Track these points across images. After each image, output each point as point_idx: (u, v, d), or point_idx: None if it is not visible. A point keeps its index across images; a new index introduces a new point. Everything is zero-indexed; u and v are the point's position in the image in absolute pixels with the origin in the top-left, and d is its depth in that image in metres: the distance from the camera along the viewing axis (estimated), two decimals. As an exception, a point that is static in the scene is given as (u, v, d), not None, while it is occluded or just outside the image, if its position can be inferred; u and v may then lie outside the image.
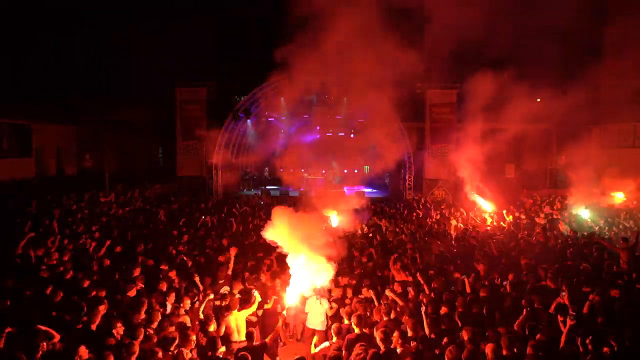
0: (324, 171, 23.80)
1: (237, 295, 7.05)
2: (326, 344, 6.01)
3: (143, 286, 7.05)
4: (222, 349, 5.68)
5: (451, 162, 20.04)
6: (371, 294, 6.96)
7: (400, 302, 6.49)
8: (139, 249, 9.07)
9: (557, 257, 8.93)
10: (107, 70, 22.51)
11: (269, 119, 23.16)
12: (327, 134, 23.85)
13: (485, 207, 15.29)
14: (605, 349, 4.79)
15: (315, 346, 6.34)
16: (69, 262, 7.92)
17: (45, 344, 4.81)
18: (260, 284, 7.82)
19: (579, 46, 16.73)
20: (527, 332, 5.31)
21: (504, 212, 13.93)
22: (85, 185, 17.38)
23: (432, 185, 21.03)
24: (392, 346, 5.23)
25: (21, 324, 5.30)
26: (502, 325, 5.67)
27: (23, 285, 6.66)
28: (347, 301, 7.32)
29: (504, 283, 7.23)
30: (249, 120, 21.81)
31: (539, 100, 17.78)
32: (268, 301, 7.18)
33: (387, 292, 6.88)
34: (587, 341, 4.84)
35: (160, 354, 5.01)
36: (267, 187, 22.33)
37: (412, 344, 5.32)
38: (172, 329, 5.83)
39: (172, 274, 7.68)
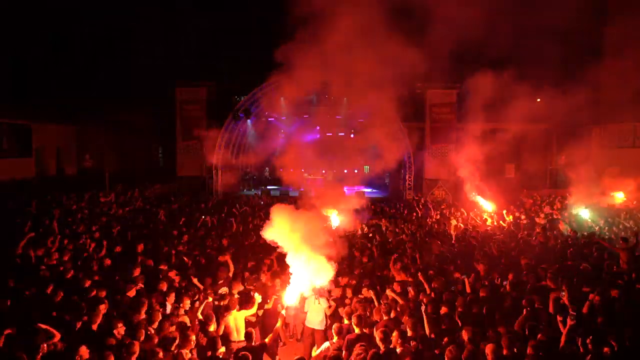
0: (324, 171, 23.79)
1: (236, 295, 7.06)
2: (327, 344, 6.01)
3: (142, 286, 7.06)
4: (222, 349, 5.68)
5: (451, 162, 20.05)
6: (371, 294, 6.96)
7: (400, 301, 6.49)
8: (139, 249, 9.06)
9: (557, 257, 8.93)
10: (107, 70, 22.51)
11: (269, 119, 23.16)
12: (327, 134, 23.85)
13: (486, 207, 15.29)
14: (606, 349, 4.79)
15: (317, 348, 6.34)
16: (69, 262, 7.92)
17: (45, 345, 4.81)
18: (260, 284, 7.83)
19: (579, 46, 16.72)
20: (527, 332, 5.31)
21: (504, 212, 13.94)
22: (85, 185, 17.39)
23: (432, 185, 21.03)
24: (391, 346, 5.24)
25: (21, 323, 5.30)
26: (502, 325, 5.67)
27: (23, 285, 6.66)
28: (347, 301, 7.32)
29: (504, 283, 7.23)
30: (249, 120, 21.80)
31: (539, 100, 17.78)
32: (268, 301, 7.18)
33: (388, 292, 6.88)
34: (588, 341, 4.84)
35: (160, 354, 5.01)
36: (267, 187, 22.33)
37: (412, 343, 5.33)
38: (173, 329, 5.84)
39: (172, 274, 7.69)
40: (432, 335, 5.56)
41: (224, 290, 7.45)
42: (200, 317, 6.42)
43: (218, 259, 8.82)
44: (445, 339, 5.35)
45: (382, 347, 5.19)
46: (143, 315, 5.92)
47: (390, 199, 19.73)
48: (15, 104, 18.84)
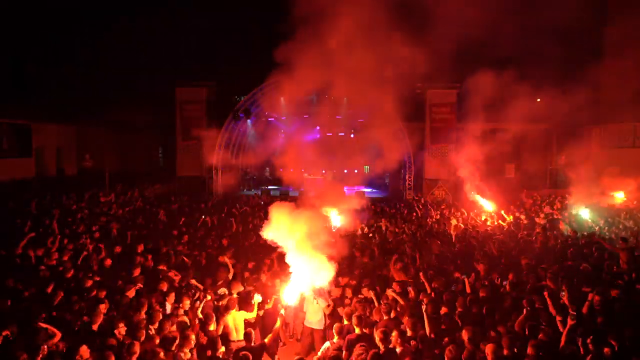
0: (324, 171, 23.79)
1: (235, 295, 7.06)
2: (327, 344, 6.00)
3: (142, 286, 7.06)
4: (222, 349, 5.69)
5: (451, 162, 20.05)
6: (371, 294, 6.96)
7: (401, 302, 6.49)
8: (138, 250, 9.06)
9: (557, 257, 8.93)
10: (107, 70, 22.49)
11: (269, 119, 23.16)
12: (327, 134, 23.85)
13: (486, 206, 15.29)
14: (606, 350, 4.79)
15: (317, 351, 6.33)
16: (69, 262, 7.93)
17: (46, 347, 4.80)
18: (260, 284, 7.83)
19: (579, 46, 16.73)
20: (527, 332, 5.31)
21: (502, 212, 13.97)
22: (85, 185, 17.39)
23: (432, 185, 21.04)
24: (391, 346, 5.23)
25: (21, 324, 5.30)
26: (502, 325, 5.67)
27: (23, 285, 6.66)
28: (347, 301, 7.32)
29: (504, 283, 7.23)
30: (249, 120, 21.80)
31: (539, 100, 17.79)
32: (268, 301, 7.18)
33: (388, 292, 6.88)
34: (588, 341, 4.84)
35: (162, 354, 5.02)
36: (267, 187, 22.33)
37: (412, 343, 5.33)
38: (173, 328, 5.84)
39: (172, 274, 7.69)
40: (432, 335, 5.56)
41: (222, 290, 7.45)
42: (201, 315, 6.42)
43: (218, 260, 8.82)
44: (446, 339, 5.35)
45: (381, 347, 5.19)
46: (143, 316, 5.92)
47: (390, 199, 19.73)
48: (15, 104, 18.83)
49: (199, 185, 20.83)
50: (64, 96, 21.10)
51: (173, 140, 22.05)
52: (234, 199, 17.48)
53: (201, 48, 22.90)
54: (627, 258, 8.44)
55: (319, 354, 5.88)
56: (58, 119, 21.29)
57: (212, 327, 6.20)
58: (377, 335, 5.32)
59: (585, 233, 11.16)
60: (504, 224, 13.03)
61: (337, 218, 12.04)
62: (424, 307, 5.87)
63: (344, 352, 5.49)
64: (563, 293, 6.15)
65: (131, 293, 6.71)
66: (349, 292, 7.56)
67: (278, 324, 6.26)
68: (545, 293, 6.07)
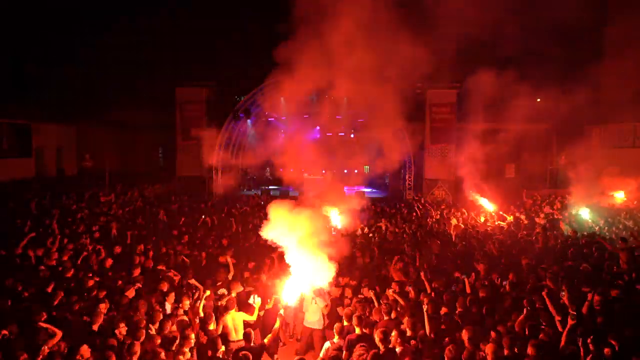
0: (324, 171, 23.78)
1: (233, 294, 7.05)
2: (327, 344, 6.00)
3: (140, 286, 7.06)
4: (222, 348, 5.69)
5: (451, 162, 20.05)
6: (371, 294, 6.96)
7: (401, 302, 6.49)
8: (138, 250, 9.06)
9: (557, 257, 8.93)
10: (107, 70, 22.49)
11: (269, 119, 23.14)
12: (327, 134, 23.84)
13: (486, 206, 15.29)
14: (606, 350, 4.79)
15: (317, 349, 6.33)
16: (69, 262, 7.92)
17: (47, 347, 4.80)
18: (260, 284, 7.82)
19: (579, 46, 16.72)
20: (527, 332, 5.31)
21: (500, 212, 13.98)
22: (85, 185, 17.39)
23: (432, 185, 21.02)
24: (391, 346, 5.23)
25: (21, 324, 5.30)
26: (502, 325, 5.67)
27: (23, 285, 6.66)
28: (347, 301, 7.32)
29: (504, 283, 7.23)
30: (249, 120, 21.78)
31: (539, 100, 17.77)
32: (268, 300, 7.18)
33: (388, 293, 6.88)
34: (588, 341, 4.84)
35: (162, 354, 5.02)
36: (268, 187, 22.32)
37: (412, 342, 5.33)
38: (173, 328, 5.84)
39: (172, 274, 7.68)
40: (432, 335, 5.56)
41: (222, 291, 7.45)
42: (202, 314, 6.42)
43: (218, 260, 8.82)
44: (446, 339, 5.35)
45: (381, 347, 5.19)
46: (143, 315, 5.92)
47: (390, 199, 19.72)
48: (15, 104, 18.83)
49: (199, 185, 20.81)
50: (64, 96, 21.11)
51: (173, 140, 22.04)
52: (234, 199, 17.47)
53: (201, 48, 22.87)
54: (627, 258, 8.43)
55: (321, 355, 5.87)
56: (58, 119, 21.29)
57: (211, 327, 6.20)
58: (376, 336, 5.32)
59: (586, 233, 11.16)
60: (503, 224, 13.02)
61: (337, 218, 12.03)
62: (425, 308, 5.87)
63: (344, 352, 5.49)
64: (563, 293, 6.15)
65: (131, 293, 6.71)
66: (348, 292, 7.56)
67: (277, 324, 6.26)
68: (545, 293, 6.07)
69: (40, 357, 4.68)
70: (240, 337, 6.33)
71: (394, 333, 5.35)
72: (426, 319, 5.71)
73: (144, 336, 5.32)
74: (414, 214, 14.73)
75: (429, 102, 21.41)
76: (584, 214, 13.59)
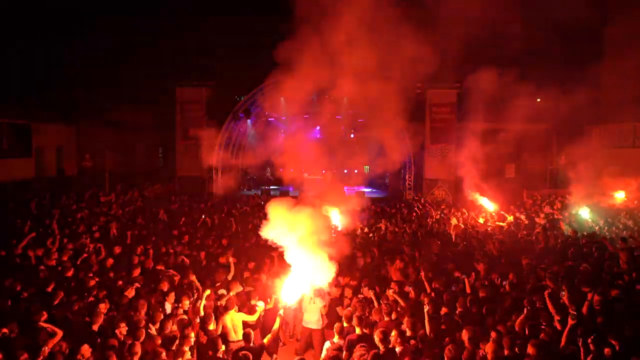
0: (324, 171, 23.79)
1: (232, 294, 7.05)
2: (327, 344, 6.00)
3: (139, 285, 7.05)
4: (222, 348, 5.69)
5: (451, 162, 20.04)
6: (371, 294, 6.96)
7: (401, 302, 6.49)
8: (138, 250, 9.06)
9: (557, 257, 8.93)
10: (107, 70, 22.49)
11: (269, 119, 23.14)
12: (327, 134, 23.82)
13: (486, 206, 15.29)
14: (606, 350, 4.78)
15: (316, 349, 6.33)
16: (69, 262, 7.92)
17: (47, 347, 4.80)
18: (260, 284, 7.82)
19: (579, 46, 16.72)
20: (527, 332, 5.30)
21: (500, 212, 13.97)
22: (85, 185, 17.38)
23: (432, 185, 21.02)
24: (391, 346, 5.23)
25: (22, 324, 5.30)
26: (502, 325, 5.67)
27: (23, 285, 6.66)
28: (347, 301, 7.31)
29: (504, 283, 7.23)
30: (249, 120, 21.78)
31: (539, 100, 17.76)
32: (269, 300, 7.18)
33: (388, 293, 6.88)
34: (588, 341, 4.84)
35: (163, 355, 5.02)
36: (268, 187, 22.32)
37: (412, 342, 5.32)
38: (173, 328, 5.84)
39: (172, 274, 7.68)
40: (432, 335, 5.55)
41: (222, 291, 7.44)
42: (202, 313, 6.41)
43: (218, 260, 8.81)
44: (446, 339, 5.35)
45: (381, 347, 5.19)
46: (143, 315, 5.92)
47: (390, 199, 19.72)
48: (15, 104, 18.83)
49: (199, 185, 20.81)
50: (64, 96, 21.10)
51: (173, 140, 22.04)
52: (233, 199, 17.47)
53: (201, 48, 22.87)
54: (627, 258, 8.42)
55: (322, 356, 5.87)
56: (58, 119, 21.28)
57: (211, 327, 6.20)
58: (376, 336, 5.32)
59: (586, 233, 11.16)
60: (504, 224, 13.02)
61: (337, 218, 12.03)
62: (425, 308, 5.87)
63: (344, 352, 5.49)
64: (563, 293, 6.14)
65: (131, 293, 6.71)
66: (348, 292, 7.55)
67: (277, 324, 6.26)
68: (545, 293, 6.07)
69: (41, 357, 4.68)
70: (240, 337, 6.33)
71: (393, 333, 5.35)
72: (426, 319, 5.71)
73: (144, 336, 5.32)
74: (414, 214, 14.73)
75: (429, 102, 21.41)
76: (584, 214, 13.59)
